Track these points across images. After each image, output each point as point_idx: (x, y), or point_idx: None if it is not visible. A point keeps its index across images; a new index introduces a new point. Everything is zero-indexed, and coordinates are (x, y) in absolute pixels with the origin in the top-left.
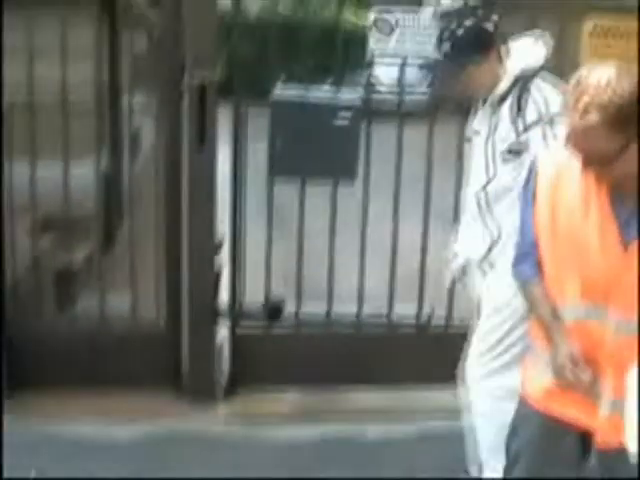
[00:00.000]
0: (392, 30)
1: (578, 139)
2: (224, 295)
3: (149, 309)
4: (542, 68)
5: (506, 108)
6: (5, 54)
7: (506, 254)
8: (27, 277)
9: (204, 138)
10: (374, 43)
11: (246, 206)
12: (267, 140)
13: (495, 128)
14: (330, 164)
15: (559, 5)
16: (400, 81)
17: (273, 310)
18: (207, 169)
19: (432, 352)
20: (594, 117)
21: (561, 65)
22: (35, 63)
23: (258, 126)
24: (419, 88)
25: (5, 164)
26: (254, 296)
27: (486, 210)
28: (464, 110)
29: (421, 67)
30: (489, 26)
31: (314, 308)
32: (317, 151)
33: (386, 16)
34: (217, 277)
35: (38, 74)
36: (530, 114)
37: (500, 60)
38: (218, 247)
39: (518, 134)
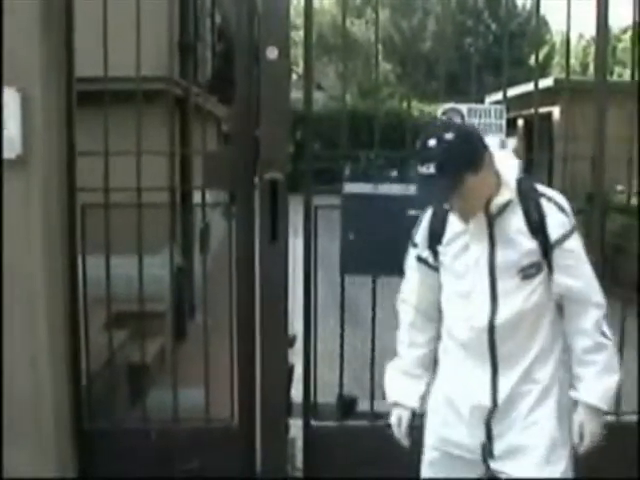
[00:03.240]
0: (462, 120)
1: None
2: (297, 391)
3: (222, 405)
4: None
5: (517, 220)
6: (79, 155)
7: None
8: (101, 372)
9: (276, 233)
10: None
11: (318, 301)
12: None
13: (497, 242)
14: (403, 259)
15: None
16: None
17: (346, 406)
18: (279, 264)
19: None
20: None
21: None
22: (109, 161)
23: (330, 221)
24: None
25: (80, 261)
26: (327, 392)
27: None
28: None
29: None
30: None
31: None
32: (389, 246)
33: (456, 109)
34: (290, 373)
35: (112, 173)
36: (555, 229)
37: (491, 166)
38: (291, 342)
39: (544, 248)
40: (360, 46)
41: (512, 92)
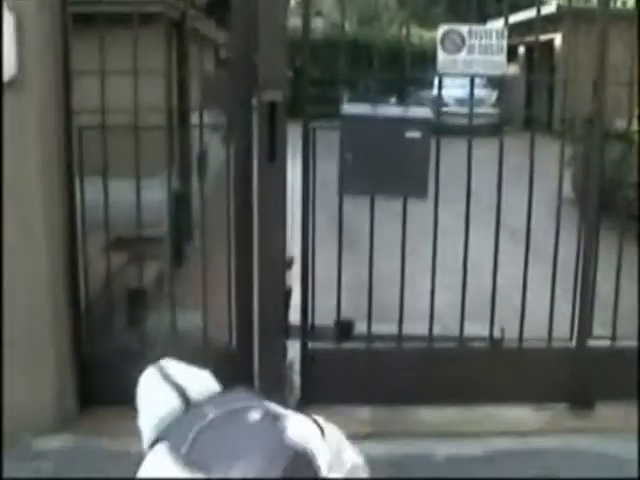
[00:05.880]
0: (462, 44)
1: None
2: (295, 314)
3: (220, 327)
4: None
5: None
6: (75, 76)
7: None
8: (100, 296)
9: (274, 155)
10: (442, 59)
11: (315, 224)
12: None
13: None
14: (401, 180)
15: None
16: (469, 97)
17: (343, 329)
18: (277, 186)
19: (504, 371)
20: None
21: None
22: (105, 84)
23: (327, 144)
24: (487, 104)
25: (77, 185)
26: (324, 315)
27: None
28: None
29: (489, 83)
30: None
31: (384, 328)
32: (387, 167)
33: (456, 30)
34: (288, 295)
35: (108, 95)
36: None
37: None
38: (289, 264)
39: None
40: None
41: (514, 19)
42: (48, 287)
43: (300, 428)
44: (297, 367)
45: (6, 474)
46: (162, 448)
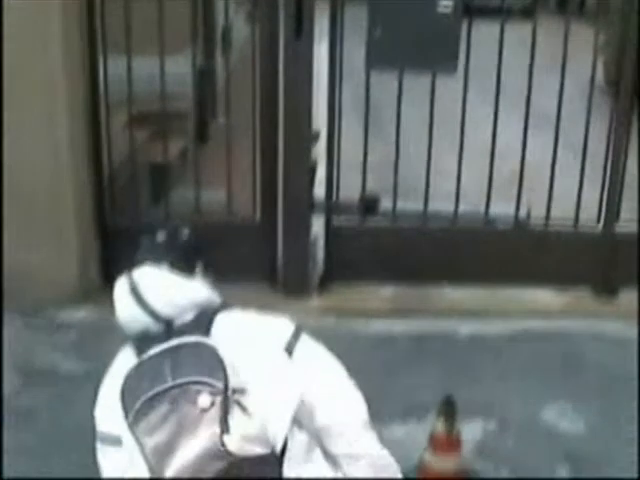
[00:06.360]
0: None
1: None
2: (320, 189)
3: (245, 202)
4: None
5: None
6: None
7: None
8: (123, 170)
9: (301, 31)
10: None
11: (342, 102)
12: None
13: None
14: (430, 54)
15: None
16: None
17: (368, 205)
18: (304, 61)
19: (529, 252)
20: None
21: None
22: None
23: (357, 23)
24: None
25: (101, 60)
26: (350, 191)
27: None
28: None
29: None
30: None
31: (410, 205)
32: (417, 41)
33: None
34: (313, 170)
35: None
36: None
37: None
38: (314, 138)
39: None
40: None
41: None
42: (70, 155)
43: None
44: (321, 243)
45: (31, 345)
46: (130, 352)
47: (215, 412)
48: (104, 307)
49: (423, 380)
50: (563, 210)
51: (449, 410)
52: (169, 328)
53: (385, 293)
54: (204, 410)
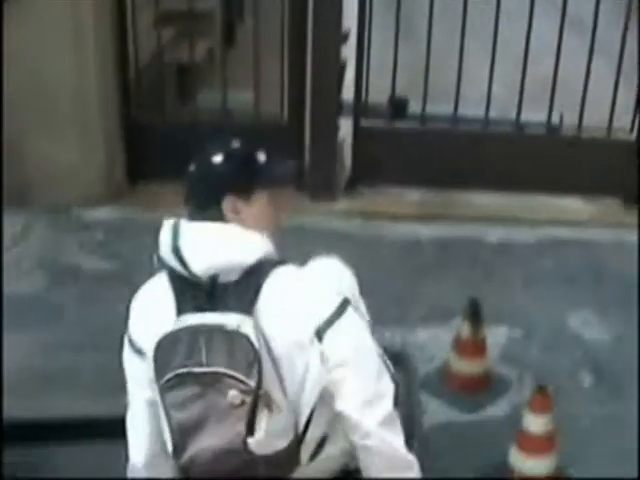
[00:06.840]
0: None
1: None
2: (349, 91)
3: (272, 103)
4: None
5: None
6: None
7: None
8: (149, 70)
9: None
10: None
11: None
12: None
13: None
14: None
15: None
16: None
17: (397, 107)
18: None
19: (559, 160)
20: None
21: None
22: None
23: None
24: None
25: None
26: (378, 94)
27: None
28: None
29: None
30: None
31: (439, 108)
32: None
33: None
34: (342, 70)
35: None
36: None
37: None
38: (344, 38)
39: None
40: None
41: None
42: (97, 55)
43: None
44: (349, 145)
45: (57, 244)
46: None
47: (243, 412)
48: (129, 207)
49: (448, 285)
50: (596, 118)
51: (475, 314)
52: (213, 283)
53: (411, 197)
54: (233, 406)
